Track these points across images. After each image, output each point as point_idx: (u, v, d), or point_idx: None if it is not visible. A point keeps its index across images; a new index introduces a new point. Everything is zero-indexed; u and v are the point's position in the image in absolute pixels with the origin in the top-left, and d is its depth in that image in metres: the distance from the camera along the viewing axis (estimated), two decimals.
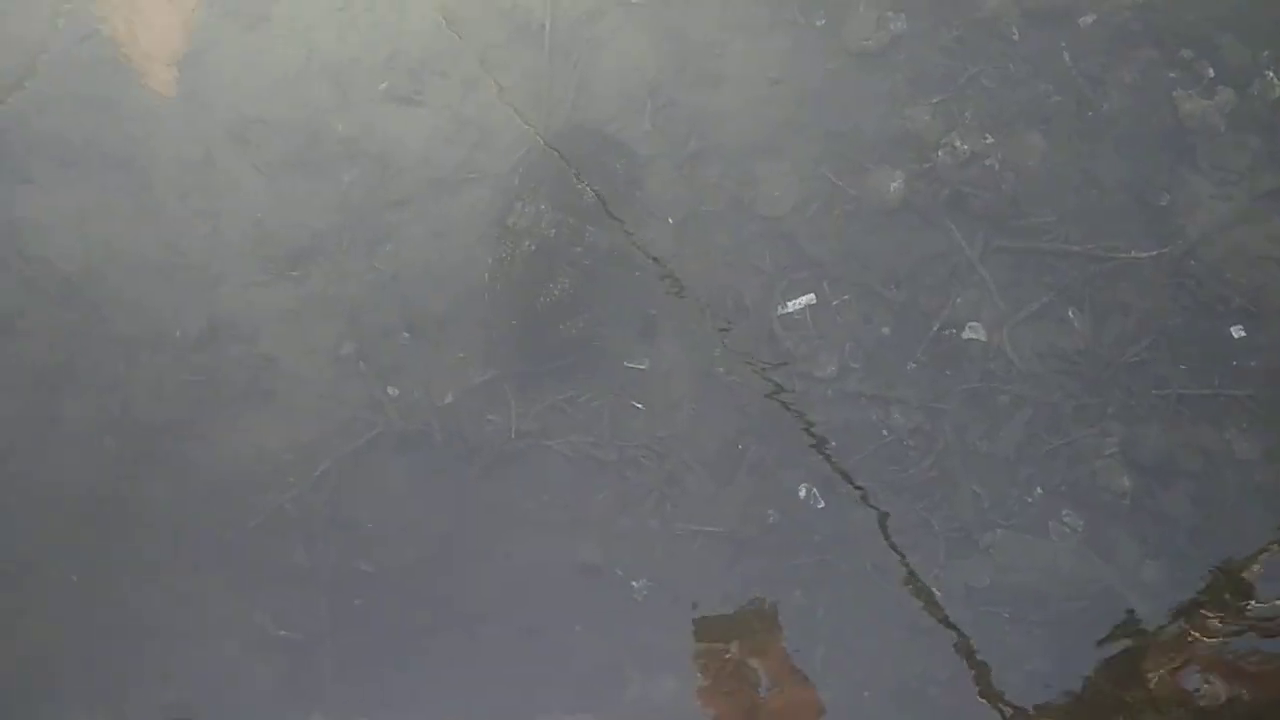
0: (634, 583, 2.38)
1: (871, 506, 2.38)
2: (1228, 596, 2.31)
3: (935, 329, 2.46)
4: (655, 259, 2.53)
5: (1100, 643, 2.30)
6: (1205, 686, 2.25)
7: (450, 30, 2.64)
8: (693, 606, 2.34)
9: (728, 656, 2.31)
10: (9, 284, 2.45)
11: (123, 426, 2.41)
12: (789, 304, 2.50)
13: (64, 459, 2.39)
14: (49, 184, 2.52)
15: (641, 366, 2.49)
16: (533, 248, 2.46)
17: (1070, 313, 2.49)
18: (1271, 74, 2.54)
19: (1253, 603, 2.30)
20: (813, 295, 2.50)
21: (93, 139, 2.53)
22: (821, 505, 2.39)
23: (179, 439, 2.41)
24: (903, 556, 2.36)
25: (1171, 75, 2.54)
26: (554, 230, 2.47)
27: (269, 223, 2.51)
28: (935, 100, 2.54)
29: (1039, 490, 2.42)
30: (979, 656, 2.32)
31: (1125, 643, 2.30)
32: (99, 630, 2.31)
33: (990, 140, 2.54)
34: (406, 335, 2.50)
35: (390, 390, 2.47)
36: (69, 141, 2.53)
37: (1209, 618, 2.30)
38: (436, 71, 2.62)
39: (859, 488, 2.39)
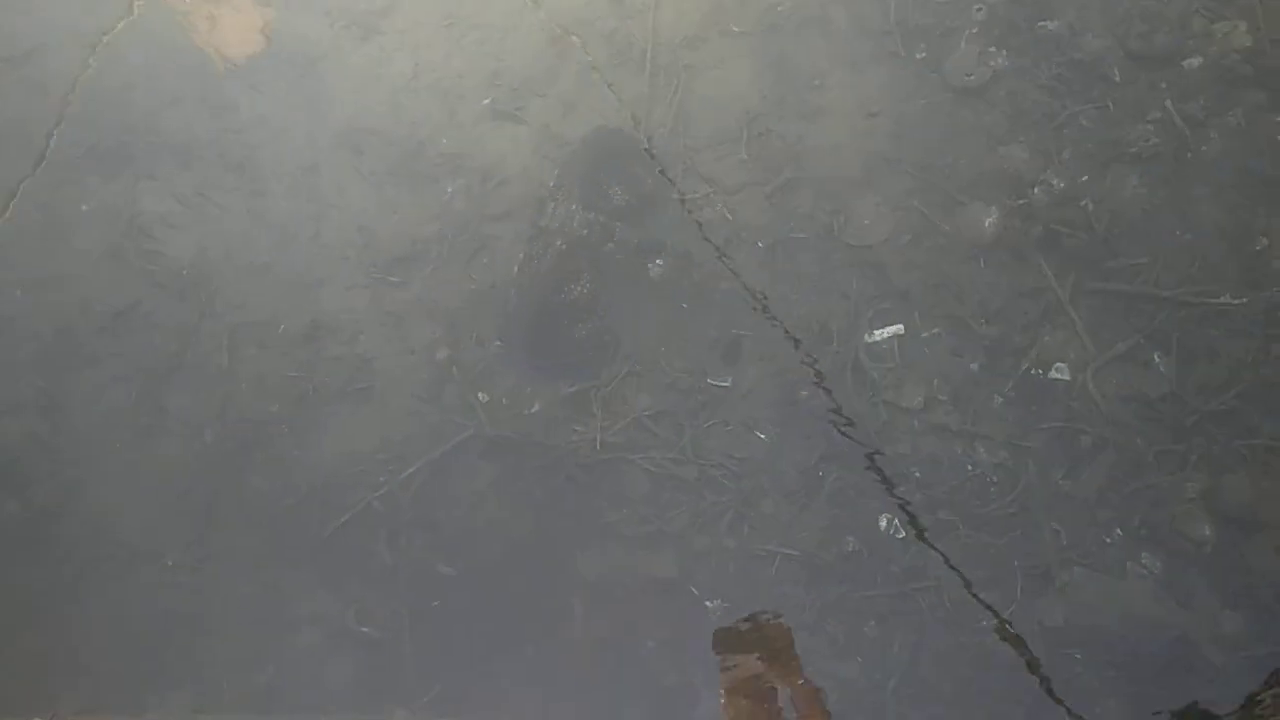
0: (708, 601, 2.42)
1: (952, 540, 2.40)
2: None
3: (1023, 367, 2.47)
4: (744, 282, 2.57)
5: (1173, 691, 2.29)
6: None
7: (553, 51, 2.71)
8: (765, 628, 2.38)
9: (800, 683, 2.33)
10: (128, 277, 2.57)
11: (225, 419, 2.51)
12: (876, 333, 2.53)
13: (168, 449, 2.49)
14: (170, 183, 2.64)
15: (725, 384, 2.53)
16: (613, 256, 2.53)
17: (1156, 357, 2.48)
18: None
19: None
20: (901, 326, 2.52)
21: (212, 142, 2.65)
22: (901, 536, 2.41)
23: (278, 433, 2.50)
24: (980, 593, 2.37)
25: (1277, 119, 2.53)
26: (627, 248, 2.53)
27: (373, 229, 2.60)
28: (1033, 138, 2.56)
29: (1118, 532, 2.41)
30: (1050, 697, 2.32)
31: (1199, 692, 2.28)
32: (196, 616, 2.40)
33: (1086, 180, 2.55)
34: (499, 343, 2.57)
35: (481, 396, 2.54)
36: (190, 143, 2.65)
37: None
38: (538, 90, 2.70)
39: (940, 521, 2.40)
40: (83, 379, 2.53)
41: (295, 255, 2.60)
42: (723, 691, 2.33)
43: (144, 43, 2.72)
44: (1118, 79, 2.59)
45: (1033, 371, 2.48)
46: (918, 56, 2.66)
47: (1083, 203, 2.54)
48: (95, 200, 2.62)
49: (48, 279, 2.57)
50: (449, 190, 2.64)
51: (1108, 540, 2.38)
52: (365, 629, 2.40)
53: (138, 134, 2.64)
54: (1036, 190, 2.53)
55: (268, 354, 2.54)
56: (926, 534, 2.41)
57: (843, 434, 2.47)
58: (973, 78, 2.62)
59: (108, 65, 2.69)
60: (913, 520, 2.40)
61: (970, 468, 2.42)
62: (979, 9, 2.66)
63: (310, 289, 2.57)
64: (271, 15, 2.70)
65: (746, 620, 2.37)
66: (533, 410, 2.52)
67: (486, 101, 2.69)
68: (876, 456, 2.46)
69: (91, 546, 2.43)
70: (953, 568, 2.37)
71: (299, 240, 2.61)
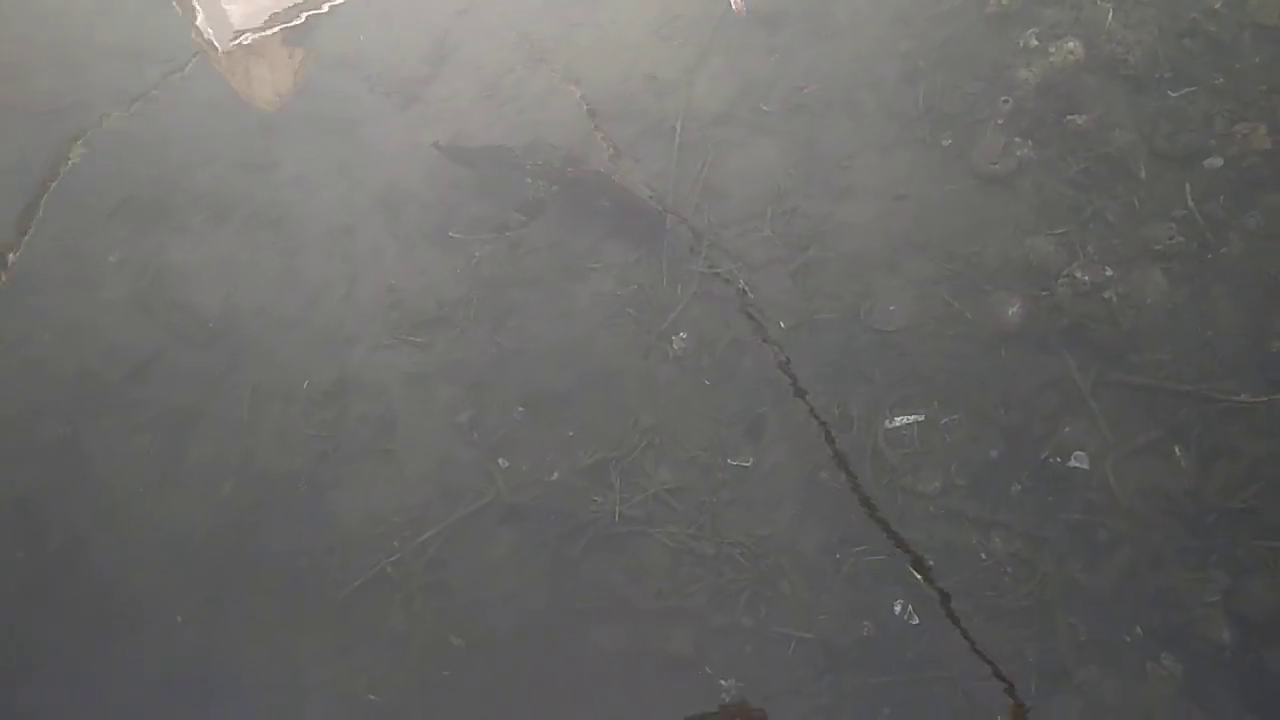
0: (723, 681, 2.39)
1: (966, 630, 2.37)
2: None
3: (1042, 456, 2.47)
4: (767, 361, 2.59)
5: None
6: None
7: (589, 122, 2.77)
8: (780, 713, 2.35)
9: None
10: (153, 327, 2.60)
11: (244, 473, 2.51)
12: (897, 419, 2.53)
13: (184, 501, 2.49)
14: (202, 236, 2.68)
15: (746, 464, 2.53)
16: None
17: (1177, 451, 2.48)
18: None
19: None
20: (921, 414, 2.53)
21: (247, 198, 2.69)
22: (916, 623, 2.38)
23: (296, 491, 2.50)
24: (995, 684, 2.34)
25: None
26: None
27: (402, 290, 2.63)
28: (1059, 231, 2.59)
29: (1138, 630, 2.38)
30: None
31: None
32: (204, 679, 2.37)
33: (1110, 274, 2.57)
34: (521, 410, 2.58)
35: (501, 462, 2.55)
36: (225, 198, 2.70)
37: None
38: (573, 160, 2.75)
39: (955, 609, 2.38)
40: (104, 427, 2.54)
41: (324, 313, 2.63)
42: None
43: (184, 99, 2.78)
44: (1143, 176, 2.63)
45: (1052, 460, 2.48)
46: (944, 143, 2.71)
47: (1107, 295, 2.56)
48: (124, 251, 2.66)
49: (75, 326, 2.60)
50: (478, 255, 2.67)
51: (1127, 639, 2.36)
52: (373, 697, 2.37)
53: (171, 188, 2.69)
54: (1061, 283, 2.55)
55: (291, 410, 2.55)
56: (941, 622, 2.39)
57: (860, 518, 2.46)
58: (998, 166, 2.66)
59: (146, 120, 2.74)
60: (927, 607, 2.38)
61: (984, 556, 2.41)
62: (1006, 101, 2.72)
63: (338, 347, 2.59)
64: (311, 75, 2.77)
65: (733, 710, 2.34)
66: (552, 479, 2.52)
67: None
68: (893, 542, 2.45)
69: (101, 600, 2.41)
70: (968, 658, 2.35)
71: (328, 298, 2.64)
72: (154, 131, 2.73)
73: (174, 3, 2.83)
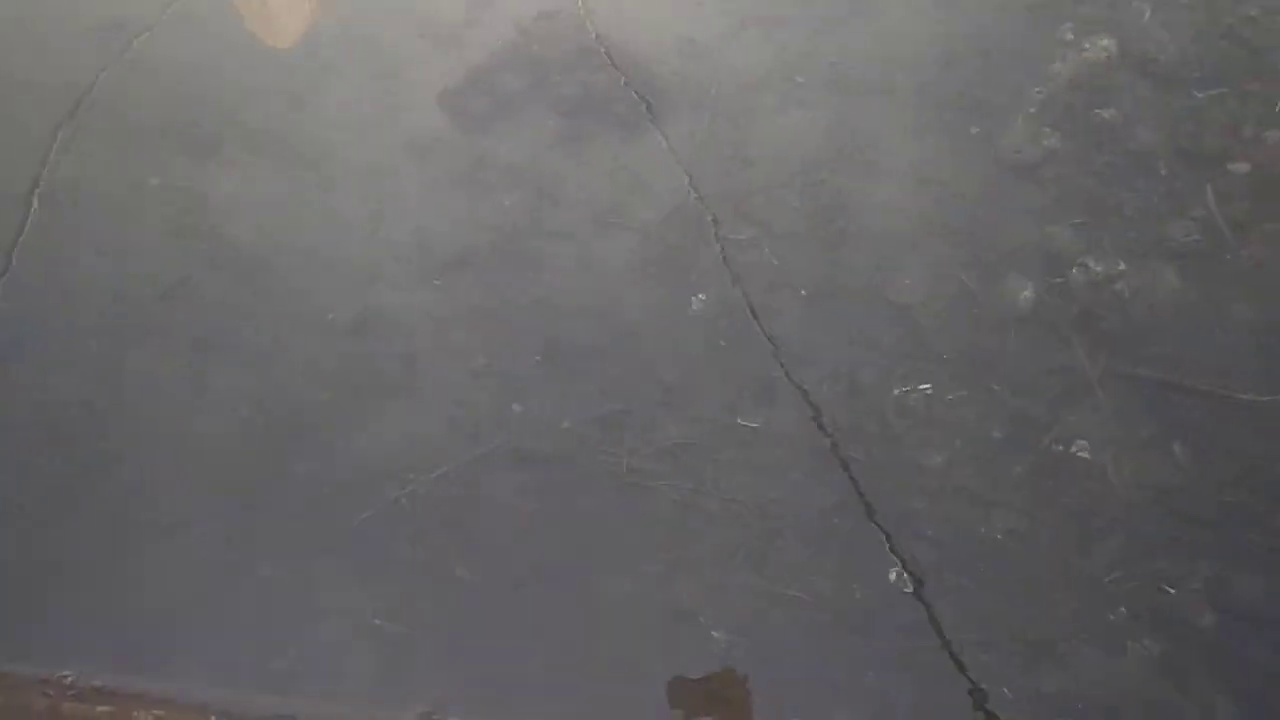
0: (715, 633, 2.46)
1: (958, 600, 2.45)
2: None
3: (1045, 441, 2.54)
4: (783, 326, 2.64)
5: None
6: None
7: (620, 79, 2.80)
8: (769, 667, 2.43)
9: None
10: (189, 252, 2.65)
11: (265, 401, 2.58)
12: (905, 389, 2.60)
13: (209, 422, 2.56)
14: (243, 169, 2.73)
15: (754, 425, 2.60)
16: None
17: (1176, 447, 2.55)
18: None
19: None
20: (930, 385, 2.59)
21: (291, 135, 2.73)
22: (909, 590, 2.46)
23: (316, 421, 2.57)
24: (980, 653, 2.41)
25: None
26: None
27: (429, 232, 2.68)
28: (1077, 221, 2.64)
29: (1123, 610, 2.46)
30: None
31: None
32: (226, 593, 2.44)
33: (1124, 267, 2.62)
34: (538, 358, 2.64)
35: (515, 407, 2.61)
36: (268, 135, 2.75)
37: None
38: (604, 117, 2.79)
39: (949, 580, 2.45)
40: (135, 349, 2.60)
41: (353, 250, 2.68)
42: None
43: (227, 23, 2.82)
44: (1164, 173, 2.67)
45: (1055, 447, 2.54)
46: (972, 131, 2.74)
47: (1119, 287, 2.61)
48: (165, 175, 2.70)
49: (115, 249, 2.65)
50: (507, 203, 2.72)
51: (1111, 618, 2.43)
52: (379, 621, 2.45)
53: (209, 116, 2.74)
54: (1075, 271, 2.61)
55: (315, 341, 2.61)
56: (934, 591, 2.47)
57: (863, 485, 2.53)
58: (1023, 155, 2.71)
59: (190, 42, 2.78)
60: (922, 576, 2.46)
61: (983, 530, 2.48)
62: (1039, 90, 2.76)
63: (363, 284, 2.65)
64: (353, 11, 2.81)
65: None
66: (563, 427, 2.59)
67: (551, 123, 2.78)
68: (894, 511, 2.52)
69: (130, 511, 2.48)
70: (958, 627, 2.42)
71: (357, 236, 2.69)
72: (199, 55, 2.77)
73: None
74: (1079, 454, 2.57)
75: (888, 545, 2.52)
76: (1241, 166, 2.65)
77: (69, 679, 2.32)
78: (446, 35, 2.82)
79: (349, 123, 2.74)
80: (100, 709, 2.31)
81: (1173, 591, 2.43)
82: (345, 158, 2.72)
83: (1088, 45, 2.82)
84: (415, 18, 2.84)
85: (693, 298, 2.66)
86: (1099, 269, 2.61)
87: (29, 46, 2.77)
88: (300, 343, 2.61)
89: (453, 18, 2.83)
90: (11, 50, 2.77)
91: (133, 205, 2.66)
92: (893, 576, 2.52)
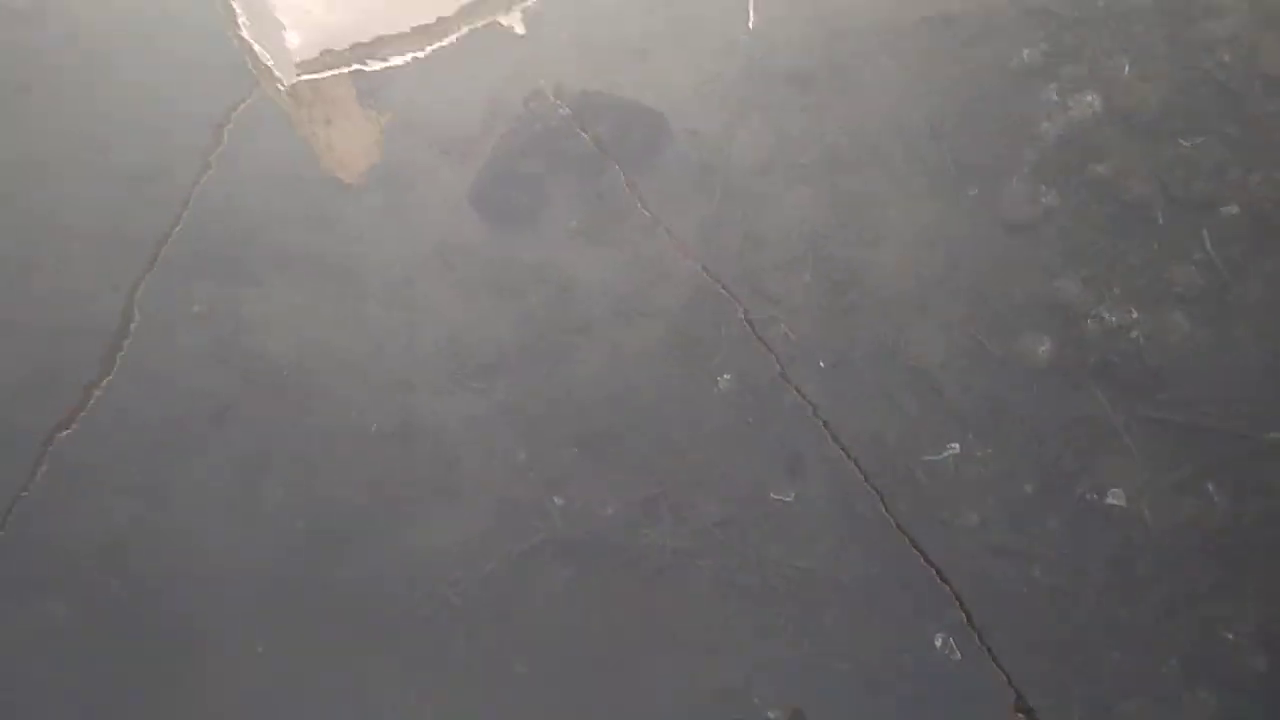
0: (770, 714, 2.47)
1: (1007, 664, 2.45)
2: None
3: (1078, 492, 2.57)
4: (806, 398, 2.71)
5: None
6: None
7: (623, 178, 2.95)
8: None
9: None
10: (230, 377, 2.76)
11: (315, 512, 2.66)
12: (933, 452, 2.64)
13: (259, 539, 2.64)
14: (273, 288, 2.86)
15: (788, 499, 2.64)
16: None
17: (1210, 487, 2.57)
18: None
19: None
20: (957, 445, 2.64)
21: (315, 252, 2.88)
22: (958, 658, 2.47)
23: (365, 528, 2.65)
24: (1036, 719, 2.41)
25: None
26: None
27: (461, 338, 2.79)
28: (1084, 274, 2.72)
29: (1174, 662, 2.45)
30: None
31: None
32: (283, 704, 2.50)
33: (1135, 315, 2.69)
34: (575, 449, 2.71)
35: (556, 499, 2.68)
36: (294, 252, 2.89)
37: None
38: (618, 214, 2.92)
39: (996, 643, 2.46)
40: (185, 469, 2.70)
41: (388, 359, 2.79)
42: None
43: (255, 162, 2.99)
44: (1161, 222, 2.75)
45: (1089, 496, 2.57)
46: (970, 193, 2.85)
47: (1133, 335, 2.67)
48: (204, 303, 2.84)
49: (159, 374, 2.78)
50: (532, 301, 2.83)
51: (1164, 671, 2.42)
52: None
53: (245, 244, 2.90)
54: (1089, 322, 2.67)
55: (359, 452, 2.70)
56: (982, 656, 2.47)
57: (900, 550, 2.56)
58: (1024, 213, 2.80)
59: (221, 182, 2.95)
60: (968, 641, 2.46)
61: (1025, 590, 2.50)
62: (1031, 151, 2.86)
63: (401, 392, 2.75)
64: (381, 142, 2.98)
65: None
66: (606, 514, 2.64)
67: (572, 224, 2.91)
68: (933, 575, 2.54)
69: (187, 629, 2.55)
70: (1009, 692, 2.42)
71: (392, 345, 2.80)
72: (230, 192, 2.94)
73: (249, 66, 3.05)
74: (1113, 502, 2.59)
75: (930, 611, 2.54)
76: (1232, 209, 2.73)
77: None
78: (462, 148, 2.98)
79: (375, 237, 2.88)
80: None
81: (1230, 637, 2.43)
82: (374, 270, 2.85)
83: (1073, 104, 2.93)
84: (430, 132, 3.00)
85: (718, 378, 2.74)
86: (1112, 319, 2.67)
87: (78, 195, 2.95)
88: (344, 454, 2.71)
89: (467, 131, 3.00)
90: (64, 199, 2.95)
91: (175, 333, 2.79)
92: (938, 642, 2.52)
